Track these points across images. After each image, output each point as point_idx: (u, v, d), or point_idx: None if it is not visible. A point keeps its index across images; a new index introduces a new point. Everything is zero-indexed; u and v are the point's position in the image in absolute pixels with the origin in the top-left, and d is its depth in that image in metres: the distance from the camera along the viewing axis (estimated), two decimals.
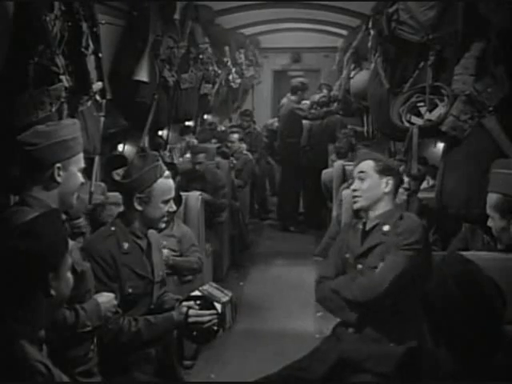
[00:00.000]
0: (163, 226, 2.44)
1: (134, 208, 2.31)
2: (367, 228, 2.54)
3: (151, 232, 2.45)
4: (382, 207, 2.53)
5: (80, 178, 2.07)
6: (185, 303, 2.26)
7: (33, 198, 1.94)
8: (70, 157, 2.01)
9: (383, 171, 2.55)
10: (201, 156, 5.04)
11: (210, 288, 2.32)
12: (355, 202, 2.58)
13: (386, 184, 2.54)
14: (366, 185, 2.54)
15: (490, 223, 2.36)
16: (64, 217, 2.05)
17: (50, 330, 1.73)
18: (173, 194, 2.39)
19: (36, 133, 1.97)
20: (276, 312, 4.59)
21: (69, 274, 1.66)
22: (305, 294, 4.71)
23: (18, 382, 1.42)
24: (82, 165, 2.09)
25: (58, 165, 1.97)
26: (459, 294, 1.42)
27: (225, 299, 2.26)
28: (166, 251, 3.24)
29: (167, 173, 2.40)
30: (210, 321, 2.21)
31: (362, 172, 2.57)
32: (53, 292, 1.56)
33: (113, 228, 2.35)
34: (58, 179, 1.97)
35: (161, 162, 2.41)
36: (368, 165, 2.57)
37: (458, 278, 1.44)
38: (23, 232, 1.55)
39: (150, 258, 2.39)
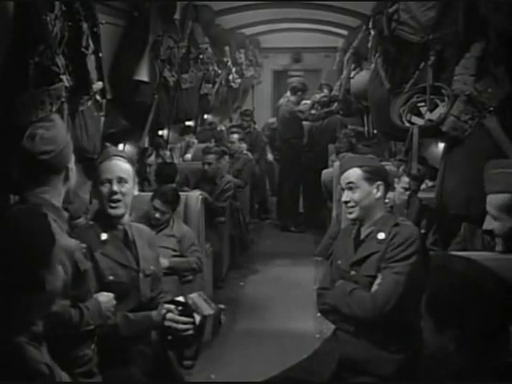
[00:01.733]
0: (112, 211, 2.31)
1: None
2: (362, 236, 2.49)
3: (138, 226, 2.47)
4: (376, 213, 2.47)
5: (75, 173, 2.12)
6: (166, 305, 2.28)
7: (36, 197, 1.94)
8: (71, 156, 2.05)
9: (372, 178, 2.46)
10: (211, 157, 5.04)
11: (196, 298, 2.32)
12: (350, 213, 2.50)
13: (377, 189, 2.46)
14: (358, 195, 2.45)
15: (489, 226, 2.29)
16: (66, 215, 2.06)
17: (55, 327, 1.74)
18: (112, 174, 2.31)
19: (44, 140, 1.96)
20: (276, 312, 4.59)
21: (59, 268, 1.66)
22: (305, 293, 4.72)
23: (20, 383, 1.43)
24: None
25: (69, 165, 2.02)
26: (465, 292, 1.41)
27: (207, 312, 2.26)
28: (164, 261, 3.22)
29: (116, 157, 2.36)
30: (185, 330, 2.22)
31: (350, 183, 2.47)
32: (48, 287, 1.56)
33: (91, 222, 2.41)
34: (71, 176, 2.03)
35: (109, 148, 2.50)
36: (355, 174, 2.46)
37: (463, 278, 1.43)
38: (4, 227, 1.55)
39: (130, 248, 2.38)
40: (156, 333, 2.35)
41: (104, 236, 2.32)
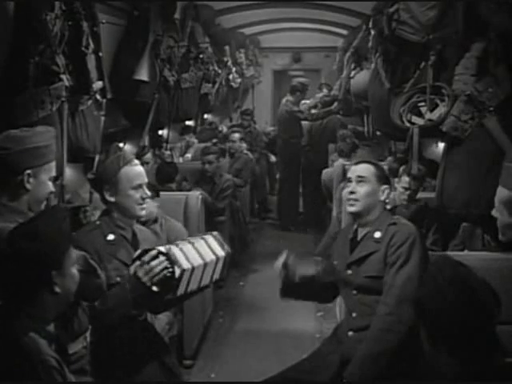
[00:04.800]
0: (142, 213, 2.38)
1: (108, 201, 2.32)
2: (359, 237, 2.49)
3: (140, 228, 2.47)
4: (374, 214, 2.48)
5: (50, 186, 2.05)
6: (131, 267, 2.19)
7: (2, 206, 1.92)
8: (41, 164, 1.99)
9: (383, 179, 2.51)
10: (211, 157, 5.03)
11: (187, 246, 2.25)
12: (351, 205, 2.50)
13: (383, 192, 2.49)
14: (365, 190, 2.47)
15: (495, 213, 2.33)
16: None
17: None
18: (143, 179, 2.36)
19: (8, 137, 1.95)
20: (276, 312, 4.58)
21: (74, 270, 1.70)
22: None
23: (33, 376, 1.47)
24: (54, 173, 2.07)
25: (28, 171, 1.95)
26: (452, 296, 1.41)
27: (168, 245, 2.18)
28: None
29: (135, 161, 2.38)
30: (158, 264, 2.11)
31: (361, 176, 2.50)
32: (57, 289, 1.62)
33: (98, 222, 2.37)
34: (28, 186, 1.95)
35: (124, 152, 2.41)
36: (369, 169, 2.50)
37: (449, 280, 1.43)
38: (24, 232, 1.58)
39: (136, 250, 2.34)
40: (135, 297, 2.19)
41: (111, 236, 2.31)
